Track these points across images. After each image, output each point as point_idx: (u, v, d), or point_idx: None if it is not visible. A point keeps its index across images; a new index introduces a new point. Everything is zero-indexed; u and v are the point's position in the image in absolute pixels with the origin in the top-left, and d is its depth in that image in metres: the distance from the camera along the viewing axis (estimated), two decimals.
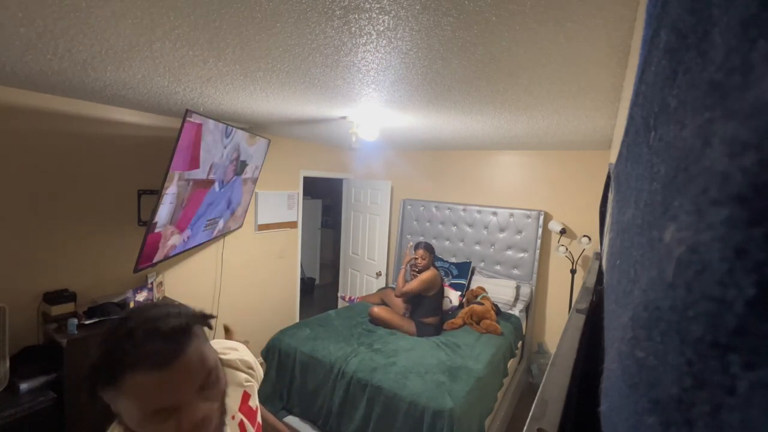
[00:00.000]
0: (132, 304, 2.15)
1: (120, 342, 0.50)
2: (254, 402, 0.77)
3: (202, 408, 0.53)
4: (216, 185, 2.31)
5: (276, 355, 2.50)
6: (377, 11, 0.89)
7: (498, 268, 3.51)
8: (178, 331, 0.52)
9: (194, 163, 1.96)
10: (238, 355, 0.80)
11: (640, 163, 0.23)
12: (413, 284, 2.77)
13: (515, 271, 3.42)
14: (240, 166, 2.54)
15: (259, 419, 0.77)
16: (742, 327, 0.09)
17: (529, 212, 3.33)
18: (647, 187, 0.19)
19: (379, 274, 4.12)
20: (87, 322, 1.97)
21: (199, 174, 2.06)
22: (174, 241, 2.09)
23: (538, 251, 3.29)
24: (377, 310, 2.80)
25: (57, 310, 1.98)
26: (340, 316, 2.89)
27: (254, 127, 2.91)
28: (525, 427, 0.33)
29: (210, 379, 0.55)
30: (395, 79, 1.42)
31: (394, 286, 3.72)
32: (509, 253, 3.44)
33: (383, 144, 3.64)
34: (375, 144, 3.54)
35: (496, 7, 0.84)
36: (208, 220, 2.42)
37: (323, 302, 5.07)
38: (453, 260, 3.68)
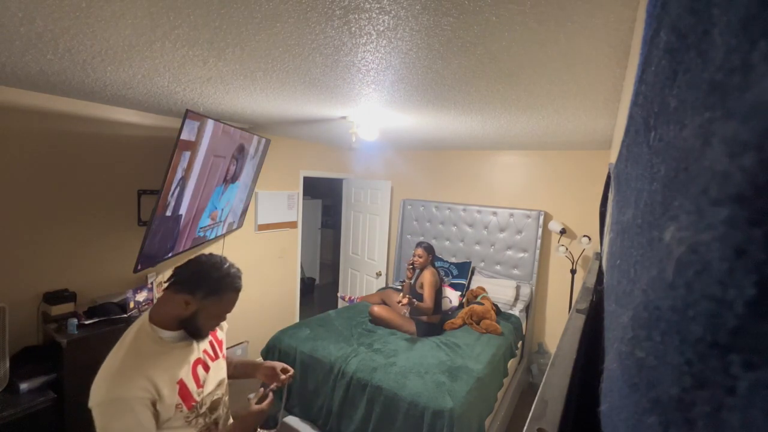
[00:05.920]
0: (132, 305, 2.15)
1: (228, 274, 0.97)
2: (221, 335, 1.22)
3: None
4: (215, 184, 2.31)
5: (276, 355, 2.49)
6: (377, 11, 0.89)
7: (498, 268, 3.51)
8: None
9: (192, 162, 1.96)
10: None
11: (640, 163, 0.23)
12: (427, 295, 2.67)
13: (515, 271, 3.42)
14: (237, 170, 2.54)
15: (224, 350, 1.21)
16: (742, 327, 0.09)
17: (529, 212, 3.33)
18: (647, 187, 0.19)
19: (379, 274, 4.12)
20: (87, 322, 1.97)
21: (198, 174, 2.06)
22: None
23: (538, 251, 3.29)
24: (378, 309, 2.80)
25: (57, 310, 1.98)
26: (340, 316, 2.89)
27: (254, 127, 2.91)
28: (525, 427, 0.33)
29: None
30: (395, 79, 1.42)
31: (393, 286, 3.72)
32: (509, 253, 3.44)
33: (383, 144, 3.64)
34: (375, 144, 3.54)
35: (496, 7, 0.84)
36: (205, 224, 2.41)
37: (323, 302, 5.07)
38: (453, 260, 3.68)
